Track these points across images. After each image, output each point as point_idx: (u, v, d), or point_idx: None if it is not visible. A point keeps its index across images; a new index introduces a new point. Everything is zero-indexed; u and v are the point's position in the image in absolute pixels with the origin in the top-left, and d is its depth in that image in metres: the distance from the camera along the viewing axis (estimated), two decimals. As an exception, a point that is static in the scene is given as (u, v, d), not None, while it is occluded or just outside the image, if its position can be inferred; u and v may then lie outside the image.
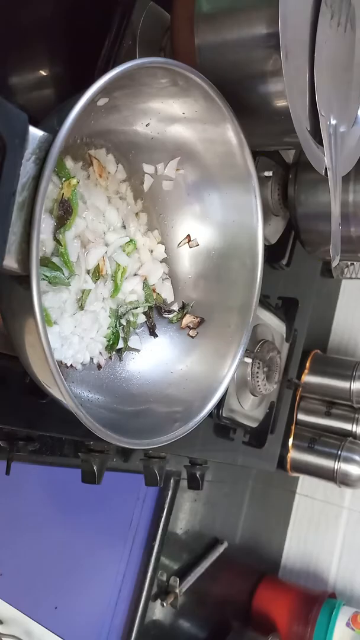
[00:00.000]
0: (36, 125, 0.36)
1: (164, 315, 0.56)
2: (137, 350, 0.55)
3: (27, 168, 0.34)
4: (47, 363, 0.36)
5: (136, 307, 0.54)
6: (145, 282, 0.54)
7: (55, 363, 0.36)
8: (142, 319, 0.55)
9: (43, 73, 0.54)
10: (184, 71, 0.44)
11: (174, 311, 0.56)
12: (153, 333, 0.56)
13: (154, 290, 0.55)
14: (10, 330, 0.40)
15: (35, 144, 0.35)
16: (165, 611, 1.02)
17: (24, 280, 0.35)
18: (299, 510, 1.46)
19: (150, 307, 0.55)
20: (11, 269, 0.34)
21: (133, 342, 0.54)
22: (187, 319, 0.56)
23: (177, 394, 0.53)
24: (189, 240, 0.56)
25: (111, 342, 0.52)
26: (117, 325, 0.53)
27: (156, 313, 0.56)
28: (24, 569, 1.05)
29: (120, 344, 0.53)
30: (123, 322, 0.53)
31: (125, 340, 0.54)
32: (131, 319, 0.54)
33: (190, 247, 0.56)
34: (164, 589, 1.01)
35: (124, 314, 0.53)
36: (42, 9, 0.53)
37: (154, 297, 0.55)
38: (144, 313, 0.55)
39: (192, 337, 0.56)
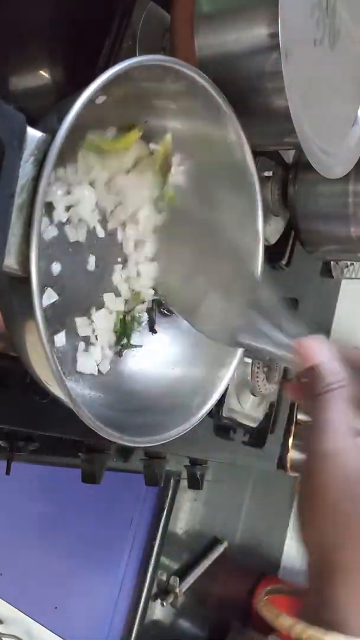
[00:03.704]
0: (34, 125, 0.36)
1: (163, 310, 0.56)
2: (140, 347, 0.55)
3: (26, 169, 0.34)
4: (48, 363, 0.36)
5: (143, 302, 0.54)
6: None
7: (56, 363, 0.37)
8: (144, 317, 0.55)
9: (43, 73, 0.54)
10: (183, 69, 0.44)
11: None
12: (152, 329, 0.56)
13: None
14: (11, 331, 0.40)
15: (34, 145, 0.35)
16: (165, 611, 1.02)
17: (24, 281, 0.35)
18: (299, 510, 1.46)
19: (152, 303, 0.55)
20: (11, 270, 0.34)
21: (134, 339, 0.54)
22: None
23: (178, 392, 0.53)
24: None
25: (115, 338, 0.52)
26: (124, 320, 0.53)
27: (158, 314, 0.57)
28: (24, 569, 1.05)
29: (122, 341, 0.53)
30: (128, 318, 0.53)
31: (128, 337, 0.54)
32: (135, 315, 0.54)
33: None
34: (164, 588, 1.01)
35: (129, 311, 0.53)
36: (42, 10, 0.53)
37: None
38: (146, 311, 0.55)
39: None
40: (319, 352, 0.38)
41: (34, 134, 0.35)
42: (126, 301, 0.53)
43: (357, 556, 0.34)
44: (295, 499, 0.37)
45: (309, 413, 0.37)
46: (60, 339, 0.48)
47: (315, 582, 0.35)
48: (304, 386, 0.38)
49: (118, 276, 0.52)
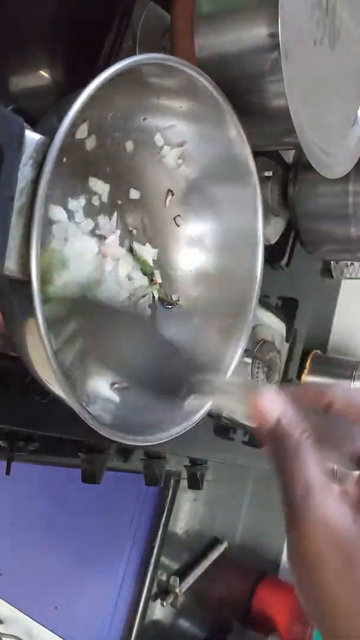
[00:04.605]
0: (34, 125, 0.36)
1: (166, 306, 0.56)
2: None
3: (24, 172, 0.34)
4: (49, 362, 0.36)
5: (144, 295, 0.54)
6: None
7: (56, 362, 0.37)
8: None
9: (43, 73, 0.54)
10: (184, 68, 0.44)
11: (178, 304, 0.56)
12: None
13: (154, 282, 0.55)
14: (11, 331, 0.40)
15: (33, 147, 0.35)
16: (165, 611, 1.02)
17: (24, 283, 0.35)
18: (299, 510, 1.46)
19: (153, 299, 0.55)
20: (12, 273, 0.34)
21: None
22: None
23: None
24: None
25: None
26: None
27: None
28: (24, 569, 1.05)
29: None
30: None
31: None
32: None
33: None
34: (164, 588, 1.01)
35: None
36: (42, 10, 0.53)
37: (157, 288, 0.55)
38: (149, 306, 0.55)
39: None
40: (273, 406, 0.34)
41: (32, 137, 0.35)
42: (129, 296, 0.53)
43: None
44: (290, 566, 0.35)
45: (280, 471, 0.34)
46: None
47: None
48: (269, 443, 0.34)
49: (119, 269, 0.52)
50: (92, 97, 0.37)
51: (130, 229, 0.53)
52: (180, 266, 0.57)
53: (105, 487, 0.69)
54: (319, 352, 1.36)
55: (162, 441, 0.48)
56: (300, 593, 0.33)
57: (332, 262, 1.09)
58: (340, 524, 0.31)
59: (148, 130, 0.51)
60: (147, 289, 0.54)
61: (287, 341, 0.92)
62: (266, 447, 0.34)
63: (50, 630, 1.00)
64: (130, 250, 0.54)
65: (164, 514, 0.99)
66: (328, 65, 0.55)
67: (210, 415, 0.75)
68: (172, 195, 0.55)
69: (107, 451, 0.70)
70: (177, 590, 1.00)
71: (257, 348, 0.80)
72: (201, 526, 1.12)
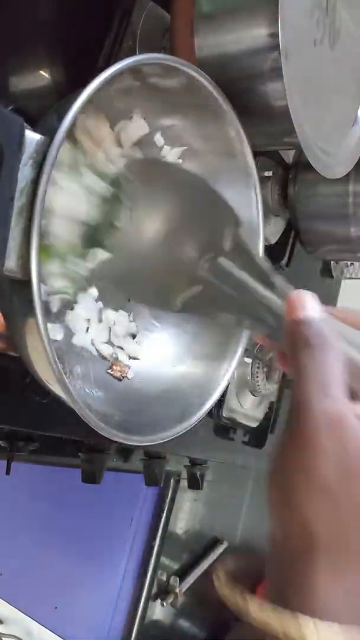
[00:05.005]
0: (34, 125, 0.36)
1: None
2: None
3: (25, 172, 0.34)
4: (49, 362, 0.36)
5: None
6: None
7: (57, 362, 0.37)
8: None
9: (43, 73, 0.54)
10: (183, 67, 0.44)
11: None
12: None
13: None
14: (11, 331, 0.40)
15: (32, 147, 0.35)
16: (165, 611, 1.02)
17: (25, 283, 0.35)
18: (298, 510, 1.46)
19: None
20: (12, 274, 0.34)
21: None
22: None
23: (178, 390, 0.53)
24: None
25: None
26: None
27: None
28: (24, 569, 1.05)
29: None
30: None
31: None
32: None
33: None
34: (164, 588, 1.01)
35: None
36: (42, 9, 0.53)
37: None
38: None
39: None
40: (313, 304, 0.35)
41: (32, 137, 0.35)
42: None
43: (343, 538, 0.30)
44: (269, 464, 0.32)
45: (298, 371, 0.32)
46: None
47: (286, 562, 0.31)
48: (292, 342, 0.33)
49: None
50: (92, 97, 0.37)
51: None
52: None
53: (105, 487, 0.69)
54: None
55: (162, 441, 0.48)
56: (277, 490, 0.31)
57: (332, 262, 1.09)
58: (350, 424, 0.30)
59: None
60: None
61: (287, 341, 0.91)
62: (287, 339, 0.34)
63: (50, 630, 1.00)
64: None
65: (164, 514, 0.99)
66: (328, 65, 0.55)
67: (210, 415, 0.75)
68: None
69: (107, 451, 0.70)
70: (177, 590, 1.00)
71: (257, 348, 0.81)
72: (201, 526, 1.11)
